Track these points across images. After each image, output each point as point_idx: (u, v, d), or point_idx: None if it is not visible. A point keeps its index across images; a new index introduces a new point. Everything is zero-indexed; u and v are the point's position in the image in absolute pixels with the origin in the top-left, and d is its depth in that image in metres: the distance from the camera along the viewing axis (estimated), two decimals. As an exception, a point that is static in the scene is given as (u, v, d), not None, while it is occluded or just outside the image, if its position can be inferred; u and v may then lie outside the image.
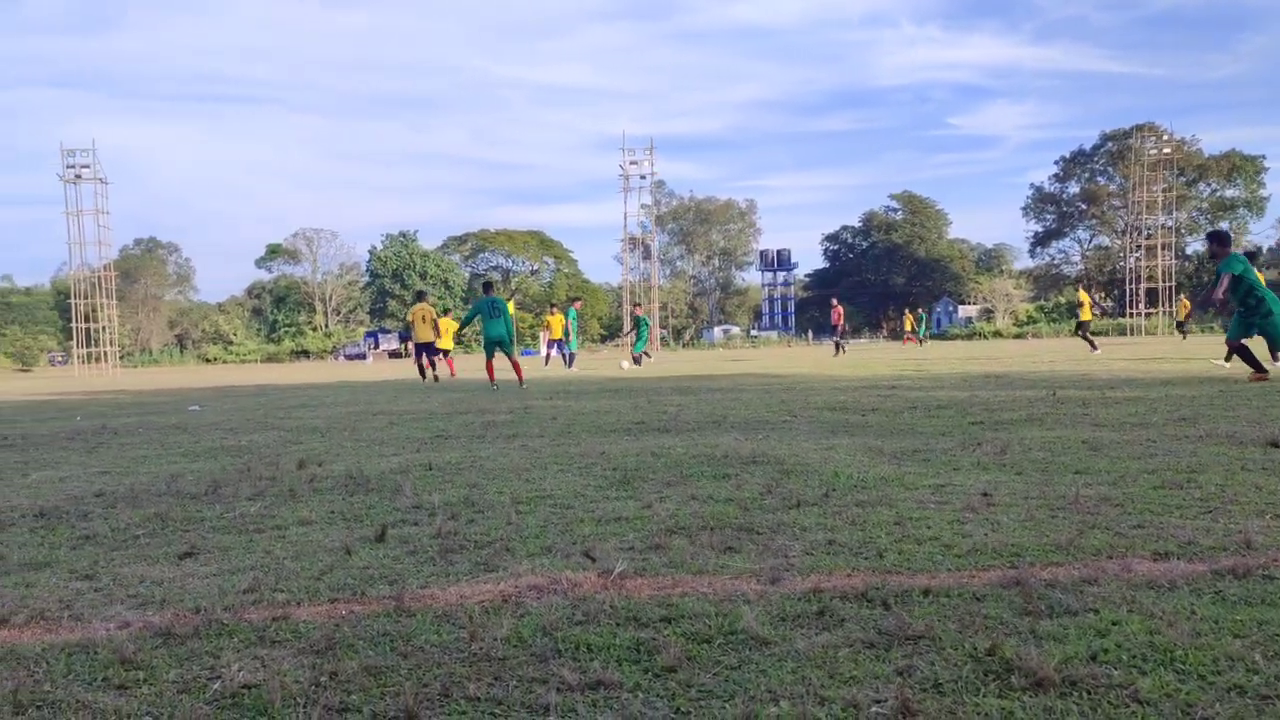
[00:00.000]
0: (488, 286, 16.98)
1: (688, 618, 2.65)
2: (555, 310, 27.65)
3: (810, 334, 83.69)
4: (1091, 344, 24.25)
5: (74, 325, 55.55)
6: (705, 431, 7.52)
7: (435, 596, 2.94)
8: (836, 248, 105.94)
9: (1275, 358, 11.38)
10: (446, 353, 22.15)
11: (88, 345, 55.82)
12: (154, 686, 2.27)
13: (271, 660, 2.41)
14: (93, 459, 7.10)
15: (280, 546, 3.79)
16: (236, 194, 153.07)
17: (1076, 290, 30.98)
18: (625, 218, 65.91)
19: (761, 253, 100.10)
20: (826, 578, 3.04)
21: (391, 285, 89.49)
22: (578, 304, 27.68)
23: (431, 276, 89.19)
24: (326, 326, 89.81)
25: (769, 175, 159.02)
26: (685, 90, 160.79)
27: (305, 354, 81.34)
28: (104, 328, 55.54)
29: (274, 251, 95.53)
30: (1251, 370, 10.86)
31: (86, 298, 55.20)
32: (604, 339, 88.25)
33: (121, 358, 63.69)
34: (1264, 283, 11.32)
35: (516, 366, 16.25)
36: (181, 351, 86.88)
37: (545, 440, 7.27)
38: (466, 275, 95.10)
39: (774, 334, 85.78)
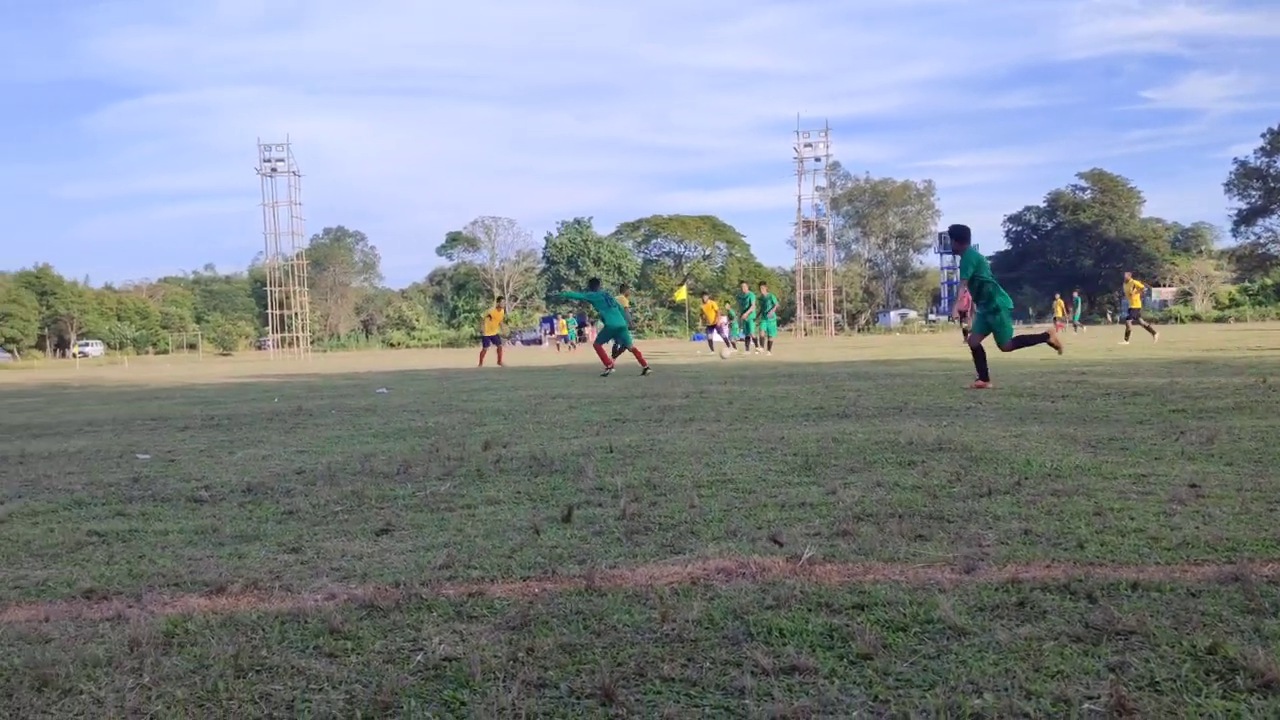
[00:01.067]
0: (594, 283, 18.03)
1: (881, 605, 2.59)
2: (708, 298, 27.38)
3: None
4: (1150, 330, 22.88)
5: (269, 311, 59.81)
6: (887, 417, 7.32)
7: (624, 577, 2.99)
8: (1019, 229, 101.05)
9: (1002, 350, 10.71)
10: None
11: (282, 330, 60.01)
12: (361, 656, 2.41)
13: (470, 635, 2.51)
14: (291, 439, 7.61)
15: (471, 525, 3.95)
16: (418, 183, 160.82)
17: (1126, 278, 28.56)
18: (799, 201, 65.07)
19: (940, 235, 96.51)
20: (1024, 568, 2.91)
21: (566, 271, 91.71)
22: (764, 287, 27.18)
23: (605, 263, 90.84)
24: (505, 312, 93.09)
25: (948, 155, 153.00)
26: (860, 70, 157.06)
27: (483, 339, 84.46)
28: (296, 314, 59.54)
29: (454, 239, 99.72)
30: (976, 376, 10.27)
31: (280, 285, 59.35)
32: (778, 324, 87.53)
33: (312, 342, 68.19)
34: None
35: (637, 354, 16.44)
36: (367, 336, 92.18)
37: (722, 425, 7.27)
38: (639, 261, 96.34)
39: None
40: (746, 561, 3.03)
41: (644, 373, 15.61)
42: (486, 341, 24.94)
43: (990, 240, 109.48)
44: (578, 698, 2.09)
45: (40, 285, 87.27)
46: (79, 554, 3.69)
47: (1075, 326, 44.06)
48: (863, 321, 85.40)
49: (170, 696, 2.18)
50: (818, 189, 68.19)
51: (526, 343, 74.85)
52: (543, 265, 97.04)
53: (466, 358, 34.67)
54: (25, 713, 2.12)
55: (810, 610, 2.57)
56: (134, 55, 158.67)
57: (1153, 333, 23.26)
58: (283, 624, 2.67)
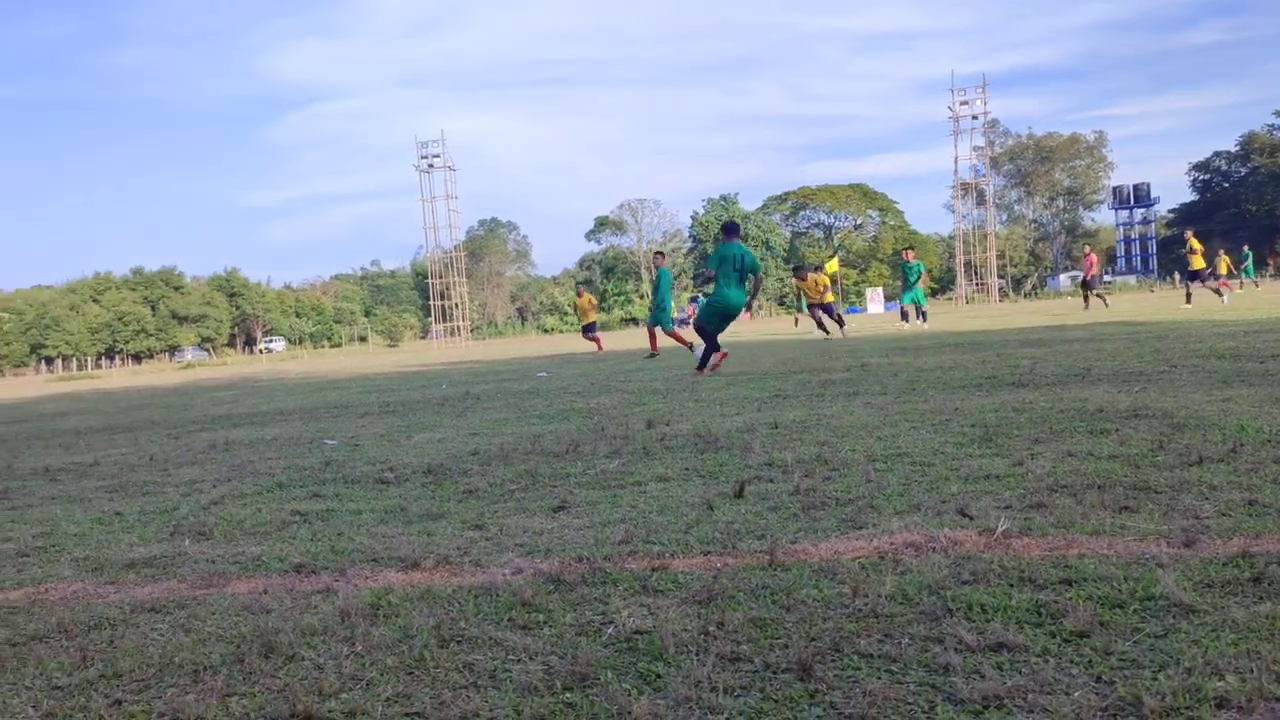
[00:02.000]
0: (660, 253, 18.25)
1: (1091, 580, 2.45)
2: (819, 271, 26.25)
3: (1177, 277, 75.04)
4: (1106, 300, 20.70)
5: (431, 303, 62.30)
6: (1068, 385, 6.96)
7: (807, 552, 2.94)
8: (1207, 177, 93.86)
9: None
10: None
11: (444, 320, 62.39)
12: (554, 628, 2.46)
13: (657, 608, 2.53)
14: (462, 422, 7.89)
15: (644, 501, 3.99)
16: (566, 171, 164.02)
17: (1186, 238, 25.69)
18: (955, 163, 62.68)
19: (1114, 189, 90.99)
20: (1255, 540, 2.69)
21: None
22: (909, 254, 25.69)
23: (753, 238, 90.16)
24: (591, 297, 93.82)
25: (1121, 103, 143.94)
26: (1019, 20, 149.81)
27: (634, 321, 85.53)
28: (456, 304, 61.76)
29: (601, 224, 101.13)
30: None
31: (440, 277, 61.69)
32: (935, 292, 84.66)
33: (472, 331, 70.58)
34: None
35: (674, 337, 16.40)
36: (523, 323, 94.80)
37: (889, 397, 7.09)
38: (787, 235, 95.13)
39: (1131, 278, 77.81)
40: (936, 535, 2.93)
41: (650, 356, 15.72)
42: (589, 329, 24.64)
43: (1172, 192, 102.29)
44: (773, 672, 2.07)
45: (230, 287, 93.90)
46: (285, 532, 3.94)
47: (1254, 282, 40.63)
48: (1029, 286, 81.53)
49: (382, 664, 2.29)
50: (975, 149, 65.46)
51: (675, 323, 75.11)
52: (689, 244, 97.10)
53: (618, 340, 35.10)
54: (256, 676, 2.27)
55: (1012, 585, 2.46)
56: (300, 68, 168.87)
57: (1104, 303, 22.07)
58: (476, 597, 2.76)
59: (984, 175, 68.65)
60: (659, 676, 2.09)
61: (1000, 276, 69.37)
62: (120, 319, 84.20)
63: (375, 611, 2.69)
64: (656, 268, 18.08)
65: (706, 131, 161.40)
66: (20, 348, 77.52)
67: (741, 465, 4.65)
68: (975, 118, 60.91)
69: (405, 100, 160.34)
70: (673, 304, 18.75)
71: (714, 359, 11.40)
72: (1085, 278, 24.87)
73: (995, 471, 3.93)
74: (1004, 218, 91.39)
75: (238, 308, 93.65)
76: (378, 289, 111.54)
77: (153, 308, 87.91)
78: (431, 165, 59.15)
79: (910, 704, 1.87)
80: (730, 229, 11.52)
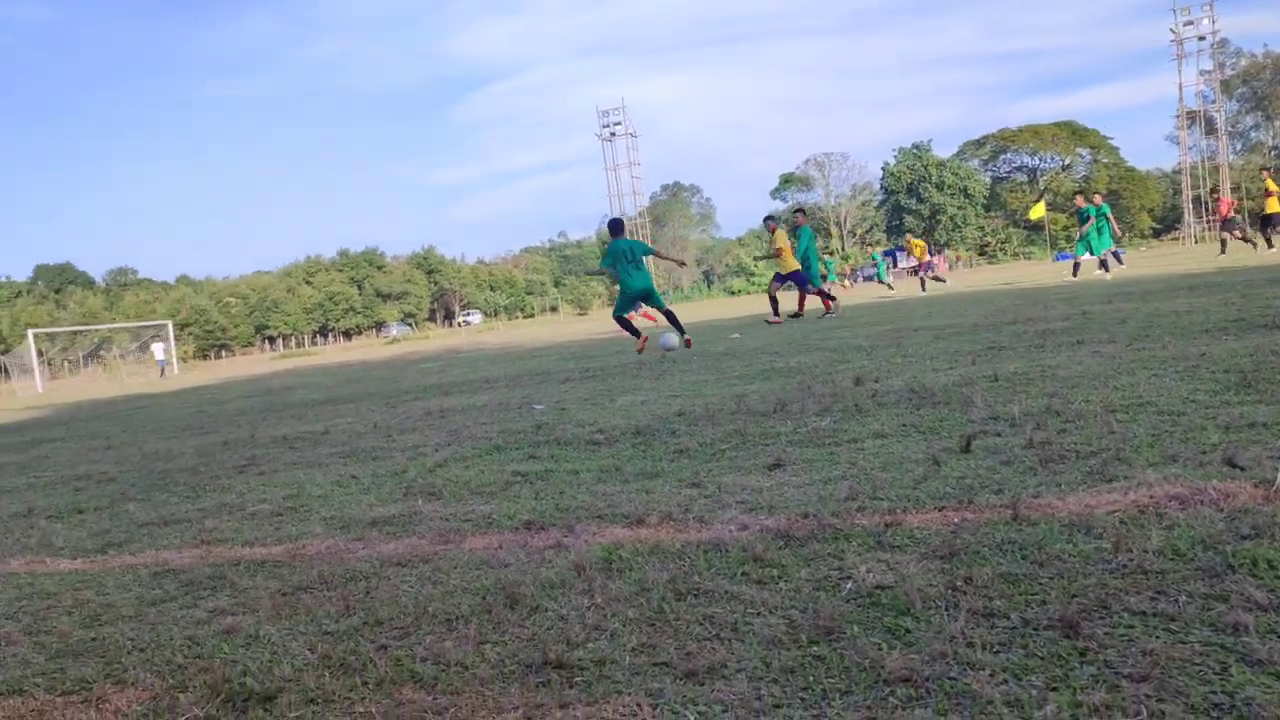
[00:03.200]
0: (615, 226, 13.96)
1: (1400, 536, 2.21)
2: (912, 237, 24.82)
3: None
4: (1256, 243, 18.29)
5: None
6: (1333, 325, 6.30)
7: (1053, 506, 2.80)
8: None
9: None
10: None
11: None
12: (789, 583, 2.45)
13: (896, 564, 2.47)
14: (662, 385, 7.99)
15: (863, 458, 3.91)
16: (748, 129, 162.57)
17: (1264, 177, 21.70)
18: (1180, 90, 57.81)
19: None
20: None
21: (907, 200, 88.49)
22: (1097, 198, 23.77)
23: (949, 186, 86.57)
24: (843, 249, 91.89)
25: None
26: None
27: (823, 278, 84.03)
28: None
29: (786, 181, 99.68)
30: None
31: (628, 245, 62.57)
32: (1156, 234, 78.73)
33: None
34: None
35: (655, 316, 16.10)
36: (709, 286, 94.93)
37: (1119, 345, 6.64)
38: (987, 181, 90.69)
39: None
40: (1203, 488, 2.72)
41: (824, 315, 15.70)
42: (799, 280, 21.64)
43: None
44: (1034, 629, 1.98)
45: (428, 264, 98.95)
46: (509, 491, 4.12)
47: None
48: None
49: (623, 615, 2.35)
50: (1203, 73, 60.12)
51: (866, 278, 73.29)
52: (880, 197, 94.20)
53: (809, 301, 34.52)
54: (504, 626, 2.39)
55: (1300, 540, 2.25)
56: (482, 46, 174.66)
57: (1252, 246, 19.46)
58: (706, 552, 2.79)
59: (1213, 101, 62.90)
60: (908, 631, 2.05)
61: (1236, 211, 63.64)
62: (330, 299, 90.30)
63: (609, 566, 2.77)
64: (797, 226, 17.74)
65: (895, 77, 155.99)
66: (247, 329, 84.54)
67: (964, 419, 4.48)
68: (1202, 38, 55.85)
69: (584, 70, 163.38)
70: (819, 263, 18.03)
71: (638, 343, 12.39)
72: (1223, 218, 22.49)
73: (1261, 419, 3.60)
74: (1238, 146, 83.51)
75: (436, 284, 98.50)
76: (565, 259, 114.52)
77: (359, 287, 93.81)
78: (613, 134, 60.00)
79: (1198, 665, 1.74)
80: (615, 226, 12.98)
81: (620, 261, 12.14)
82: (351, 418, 8.43)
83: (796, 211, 18.69)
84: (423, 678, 2.13)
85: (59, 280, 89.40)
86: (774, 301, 16.73)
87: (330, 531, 3.77)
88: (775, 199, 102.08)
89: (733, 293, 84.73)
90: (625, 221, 64.67)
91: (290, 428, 8.15)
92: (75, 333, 55.52)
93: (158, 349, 41.86)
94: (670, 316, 12.61)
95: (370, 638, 2.43)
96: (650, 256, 13.06)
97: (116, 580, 3.38)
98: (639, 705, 1.86)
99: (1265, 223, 21.47)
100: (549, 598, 2.55)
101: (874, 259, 38.13)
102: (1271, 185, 21.38)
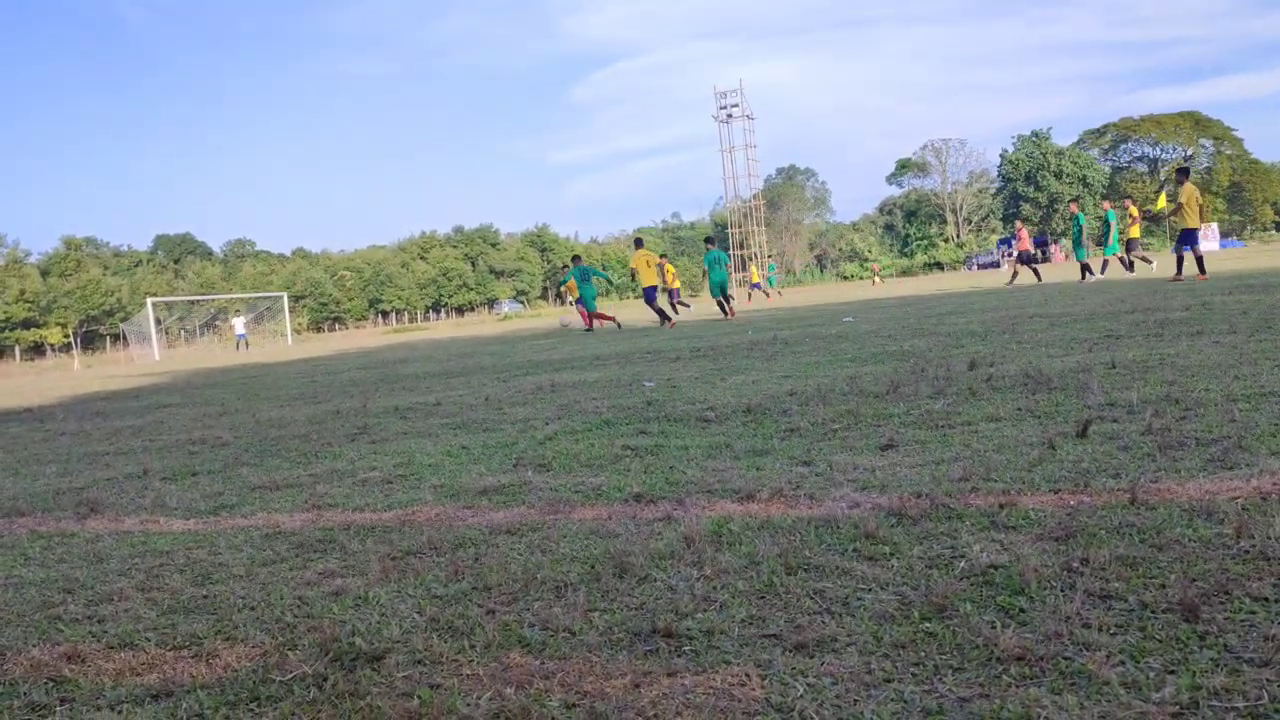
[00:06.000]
0: (575, 259, 22.30)
1: None
2: (1022, 224, 24.31)
3: None
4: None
5: (730, 252, 63.08)
6: None
7: (1172, 491, 2.73)
8: None
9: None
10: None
11: (741, 270, 63.00)
12: (901, 560, 2.45)
13: (1011, 544, 2.45)
14: (774, 365, 7.97)
15: (977, 441, 3.86)
16: (865, 114, 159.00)
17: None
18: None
19: None
20: None
21: (1024, 189, 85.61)
22: (1074, 206, 24.39)
23: (1068, 175, 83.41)
24: (958, 237, 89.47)
25: None
26: None
27: (938, 266, 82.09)
28: (755, 253, 62.12)
29: (903, 166, 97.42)
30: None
31: (739, 226, 62.24)
32: (1278, 227, 74.46)
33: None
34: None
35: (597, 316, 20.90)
36: (821, 271, 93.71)
37: (1240, 336, 6.36)
38: (1107, 170, 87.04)
39: None
40: (1339, 477, 2.61)
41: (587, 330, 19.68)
42: (649, 294, 20.58)
43: None
44: (1152, 611, 1.94)
45: (541, 243, 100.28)
46: (619, 464, 4.19)
47: None
48: None
49: (733, 587, 2.38)
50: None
51: (981, 266, 71.28)
52: (998, 184, 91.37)
53: (924, 285, 33.83)
54: (613, 594, 2.45)
55: None
56: (602, 27, 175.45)
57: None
58: (816, 528, 2.80)
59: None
60: (1022, 611, 2.03)
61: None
62: (444, 274, 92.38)
63: (718, 538, 2.81)
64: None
65: (1015, 64, 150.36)
66: (361, 303, 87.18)
67: (1080, 405, 4.38)
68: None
69: (702, 52, 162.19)
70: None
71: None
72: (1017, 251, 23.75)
73: None
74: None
75: (548, 262, 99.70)
76: (679, 240, 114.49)
77: (472, 263, 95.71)
78: (730, 115, 59.60)
79: (1328, 654, 1.68)
80: (577, 259, 21.43)
81: (586, 279, 20.71)
82: (463, 391, 8.66)
83: (706, 240, 22.72)
84: (530, 643, 2.20)
85: (178, 250, 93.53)
86: (659, 312, 19.44)
87: (440, 499, 3.89)
88: (891, 183, 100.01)
89: (845, 277, 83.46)
90: (740, 204, 63.98)
91: (402, 399, 8.41)
92: (192, 302, 58.00)
93: (238, 323, 43.52)
94: (661, 313, 18.42)
95: (478, 602, 2.52)
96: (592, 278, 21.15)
97: (228, 541, 3.54)
98: (748, 675, 1.89)
99: (1128, 247, 22.37)
100: (658, 568, 2.60)
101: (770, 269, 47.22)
102: (1134, 211, 21.95)
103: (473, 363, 13.16)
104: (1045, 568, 2.24)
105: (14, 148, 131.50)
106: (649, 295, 19.94)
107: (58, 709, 2.12)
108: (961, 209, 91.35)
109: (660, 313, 19.01)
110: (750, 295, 28.13)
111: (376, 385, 10.59)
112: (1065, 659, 1.78)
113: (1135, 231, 21.92)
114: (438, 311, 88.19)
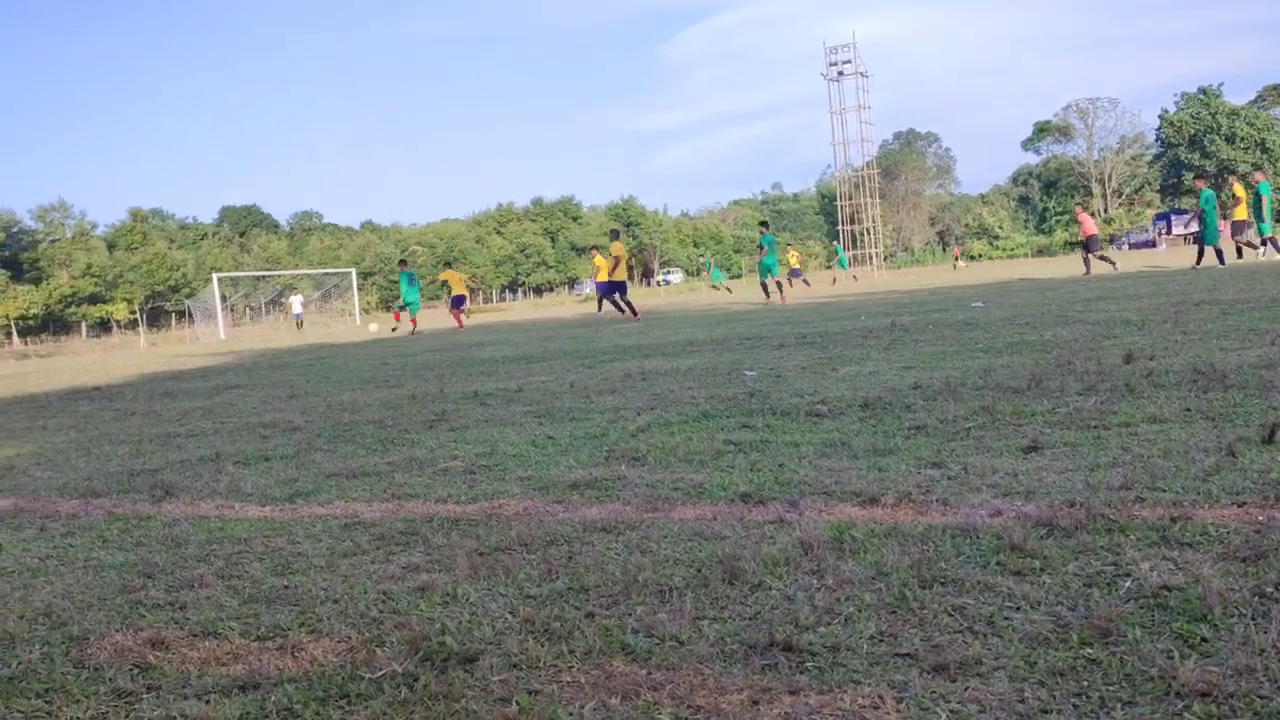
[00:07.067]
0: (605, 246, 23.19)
1: None
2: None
3: None
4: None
5: (840, 228, 62.28)
6: None
7: (1389, 509, 2.57)
8: None
9: None
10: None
11: (854, 248, 62.19)
12: (1054, 576, 2.37)
13: (1186, 563, 2.35)
14: (892, 355, 7.83)
15: (1137, 444, 3.72)
16: (997, 73, 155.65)
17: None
18: None
19: None
20: None
21: (1189, 155, 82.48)
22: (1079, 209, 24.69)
23: (1242, 139, 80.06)
24: (1105, 211, 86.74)
25: None
26: None
27: (1082, 244, 79.74)
28: (868, 229, 61.24)
29: (1042, 131, 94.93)
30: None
31: (850, 199, 61.39)
32: None
33: (885, 258, 69.72)
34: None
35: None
36: (943, 249, 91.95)
37: None
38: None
39: None
40: None
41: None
42: (605, 288, 22.41)
43: None
44: (1366, 649, 1.83)
45: (626, 217, 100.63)
46: (721, 461, 4.16)
47: None
48: None
49: (859, 600, 2.34)
50: None
51: (1134, 245, 69.00)
52: (1155, 150, 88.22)
53: (1065, 266, 32.92)
54: (723, 602, 2.43)
55: None
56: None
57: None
58: (953, 538, 2.74)
59: None
60: (1204, 640, 1.94)
61: None
62: (522, 250, 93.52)
63: (839, 545, 2.76)
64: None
65: (1178, 10, 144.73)
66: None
67: (1264, 406, 4.20)
68: None
69: (811, 3, 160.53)
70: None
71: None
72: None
73: None
74: None
75: (634, 238, 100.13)
76: (780, 214, 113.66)
77: (552, 239, 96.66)
78: (841, 73, 58.58)
79: None
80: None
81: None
82: (545, 376, 8.73)
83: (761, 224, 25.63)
84: (635, 650, 2.19)
85: (244, 223, 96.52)
86: (616, 306, 20.89)
87: (528, 492, 3.93)
88: (1028, 150, 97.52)
89: (972, 257, 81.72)
90: (851, 173, 63.25)
91: (480, 384, 8.52)
92: (258, 278, 59.81)
93: (295, 301, 45.01)
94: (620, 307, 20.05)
95: (575, 604, 2.53)
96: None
97: (306, 530, 3.66)
98: (880, 697, 1.85)
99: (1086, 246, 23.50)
100: (772, 575, 2.57)
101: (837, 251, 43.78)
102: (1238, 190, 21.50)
103: (554, 346, 13.28)
104: (1231, 592, 2.14)
105: (81, 116, 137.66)
106: (621, 289, 21.15)
107: (144, 696, 2.22)
108: (1111, 179, 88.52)
109: (620, 306, 20.80)
110: (790, 282, 28.39)
111: (452, 369, 10.75)
112: (1260, 698, 1.70)
113: (1241, 213, 20.87)
114: (515, 291, 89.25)
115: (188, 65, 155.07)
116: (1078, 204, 33.75)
